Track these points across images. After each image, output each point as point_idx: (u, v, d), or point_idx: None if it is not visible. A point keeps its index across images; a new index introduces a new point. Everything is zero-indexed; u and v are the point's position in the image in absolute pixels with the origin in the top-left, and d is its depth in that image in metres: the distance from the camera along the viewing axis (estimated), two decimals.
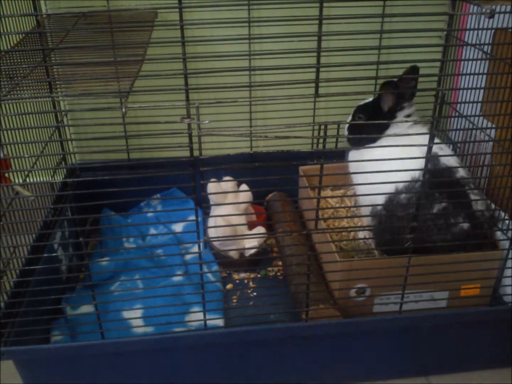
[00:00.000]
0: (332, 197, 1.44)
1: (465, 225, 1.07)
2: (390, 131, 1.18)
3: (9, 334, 0.96)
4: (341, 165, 1.32)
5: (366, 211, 1.20)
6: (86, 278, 1.30)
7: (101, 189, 0.82)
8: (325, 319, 1.04)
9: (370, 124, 1.21)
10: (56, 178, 1.44)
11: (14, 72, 0.91)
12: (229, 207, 1.36)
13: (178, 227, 1.51)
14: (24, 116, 1.14)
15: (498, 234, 1.14)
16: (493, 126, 1.24)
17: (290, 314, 1.17)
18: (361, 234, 1.29)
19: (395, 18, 1.43)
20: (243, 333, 0.99)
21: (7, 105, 1.03)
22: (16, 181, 1.11)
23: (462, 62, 1.45)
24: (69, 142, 1.52)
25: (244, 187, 1.42)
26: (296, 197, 1.54)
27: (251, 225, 1.39)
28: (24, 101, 1.03)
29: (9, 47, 1.04)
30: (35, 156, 1.21)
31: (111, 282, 1.28)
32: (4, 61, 0.96)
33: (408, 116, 1.18)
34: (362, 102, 1.27)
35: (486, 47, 1.29)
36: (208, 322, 1.01)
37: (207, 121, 0.78)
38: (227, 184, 1.41)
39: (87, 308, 1.17)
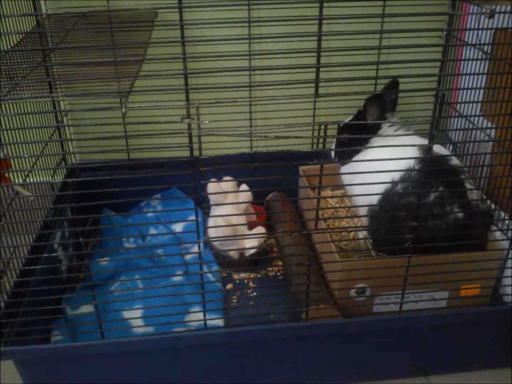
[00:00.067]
0: (332, 197, 1.44)
1: (460, 215, 1.07)
2: (377, 141, 1.23)
3: (9, 334, 0.96)
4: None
5: (363, 211, 1.21)
6: (86, 278, 1.30)
7: (101, 189, 0.82)
8: (325, 319, 1.04)
9: (357, 138, 1.27)
10: (56, 178, 1.44)
11: (14, 72, 0.91)
12: (229, 207, 1.36)
13: (178, 227, 1.51)
14: (24, 116, 1.14)
15: (498, 234, 1.14)
16: (493, 126, 1.24)
17: (290, 314, 1.17)
18: (361, 234, 1.29)
19: (395, 18, 1.43)
20: (243, 333, 0.98)
21: (7, 105, 1.03)
22: (16, 181, 1.10)
23: (462, 62, 1.45)
24: (69, 142, 1.52)
25: (244, 187, 1.41)
26: (296, 197, 1.54)
27: (251, 225, 1.39)
28: (24, 101, 1.03)
29: (9, 47, 1.04)
30: (35, 156, 1.21)
31: (111, 282, 1.28)
32: (4, 61, 0.96)
33: (392, 125, 1.27)
34: (344, 122, 1.33)
35: (486, 47, 1.29)
36: (208, 322, 1.01)
37: (207, 121, 0.78)
38: (227, 184, 1.41)
39: (87, 308, 1.17)
